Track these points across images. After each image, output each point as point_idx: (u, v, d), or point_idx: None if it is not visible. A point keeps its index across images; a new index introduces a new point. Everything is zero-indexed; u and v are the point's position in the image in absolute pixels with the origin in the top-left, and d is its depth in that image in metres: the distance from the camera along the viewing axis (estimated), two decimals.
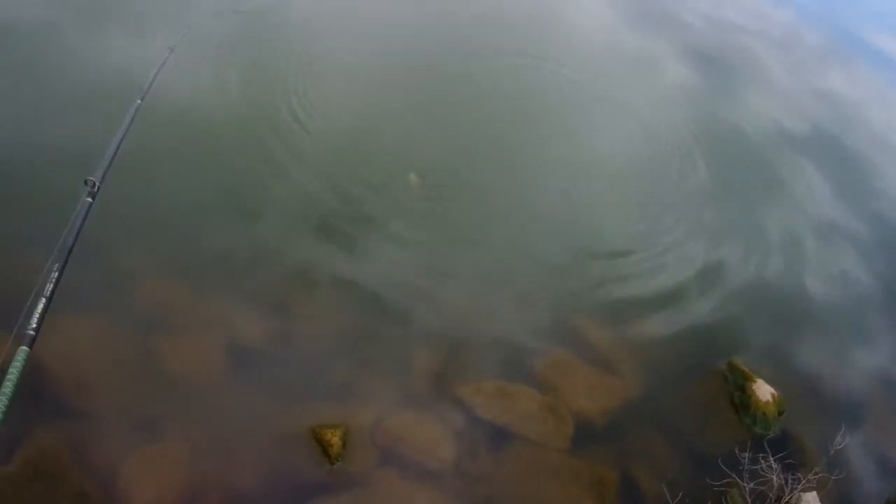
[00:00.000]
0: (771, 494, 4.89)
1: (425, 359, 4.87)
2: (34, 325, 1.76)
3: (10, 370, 1.58)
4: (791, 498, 4.86)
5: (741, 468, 4.93)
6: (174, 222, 5.04)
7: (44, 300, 1.86)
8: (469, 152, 6.78)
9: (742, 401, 5.56)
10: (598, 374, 5.37)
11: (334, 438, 4.17)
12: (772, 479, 4.88)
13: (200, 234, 5.05)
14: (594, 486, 4.68)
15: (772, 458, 4.93)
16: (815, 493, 4.95)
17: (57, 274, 1.96)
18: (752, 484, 4.84)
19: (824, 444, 5.16)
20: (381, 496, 4.14)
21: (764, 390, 5.56)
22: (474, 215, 6.15)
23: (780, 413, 5.56)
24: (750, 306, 6.50)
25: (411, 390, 4.75)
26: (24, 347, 1.68)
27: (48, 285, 1.91)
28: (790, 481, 4.89)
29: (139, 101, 3.07)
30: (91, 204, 2.34)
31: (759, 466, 4.93)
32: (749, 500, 4.82)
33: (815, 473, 4.93)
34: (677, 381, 5.62)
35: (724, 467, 4.94)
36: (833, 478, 4.99)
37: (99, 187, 2.41)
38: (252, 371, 4.40)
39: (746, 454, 4.95)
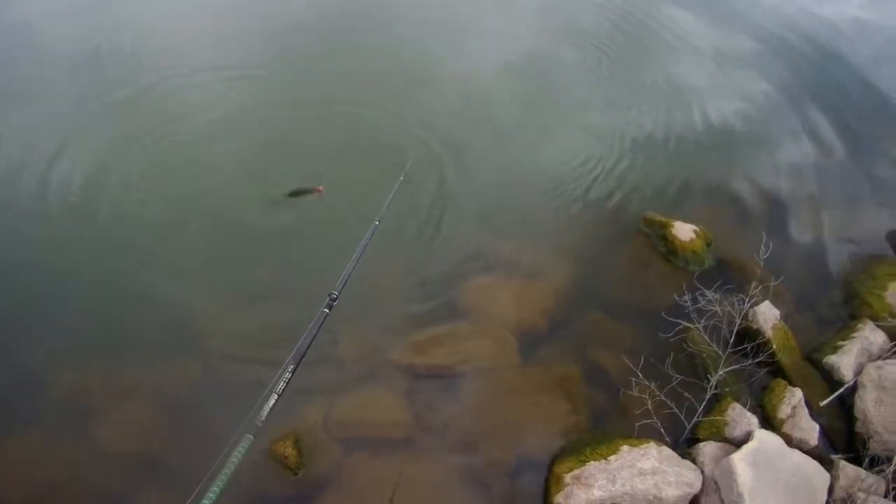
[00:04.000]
0: (724, 325, 5.34)
1: (348, 339, 4.95)
2: (262, 418, 2.24)
3: (234, 454, 2.02)
4: (747, 315, 5.34)
5: (688, 311, 5.36)
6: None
7: (275, 396, 2.36)
8: None
9: (668, 247, 6.01)
10: (522, 284, 5.60)
11: (288, 450, 4.32)
12: (724, 308, 5.33)
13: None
14: (560, 386, 4.93)
15: (709, 292, 5.38)
16: (766, 302, 5.45)
17: (290, 374, 2.49)
18: (703, 321, 5.27)
19: (761, 255, 5.66)
20: (358, 483, 4.24)
21: (684, 230, 6.03)
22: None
23: (709, 244, 6.05)
24: (646, 159, 6.99)
25: (346, 375, 4.82)
26: (249, 435, 2.12)
27: (280, 383, 2.41)
28: (738, 303, 5.37)
29: (377, 223, 3.92)
30: (327, 315, 3.00)
31: (704, 303, 5.36)
32: (707, 337, 5.25)
33: (759, 286, 5.43)
34: (601, 258, 5.96)
35: (674, 318, 5.33)
36: (777, 282, 5.51)
37: (337, 298, 3.10)
38: (186, 419, 4.41)
39: (686, 296, 5.38)
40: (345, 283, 3.23)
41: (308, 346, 2.72)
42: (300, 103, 7.06)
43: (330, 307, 3.04)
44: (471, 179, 6.32)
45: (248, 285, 5.31)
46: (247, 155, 6.36)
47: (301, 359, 2.62)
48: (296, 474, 4.25)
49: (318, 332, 2.83)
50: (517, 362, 5.06)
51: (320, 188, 5.81)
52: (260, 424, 2.21)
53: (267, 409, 2.29)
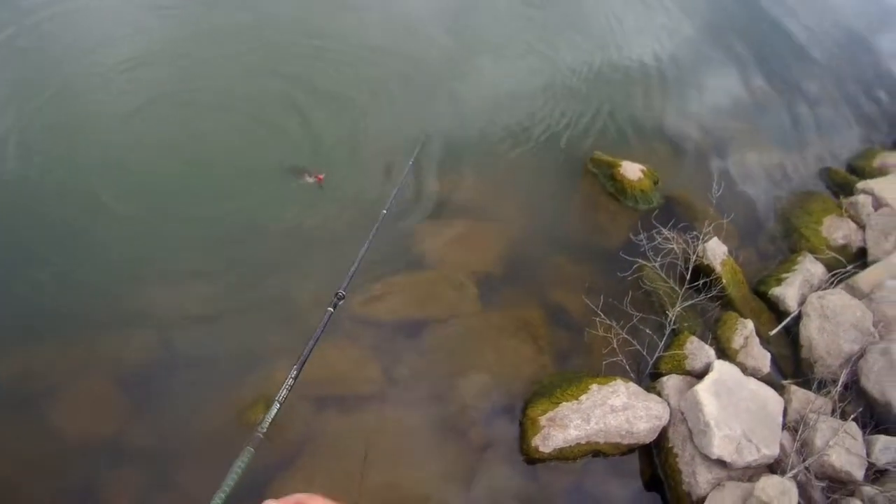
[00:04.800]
0: (679, 262, 5.58)
1: (306, 296, 4.81)
2: (264, 429, 2.12)
3: (235, 466, 1.90)
4: (699, 252, 5.58)
5: (643, 250, 5.55)
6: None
7: (277, 405, 2.25)
8: None
9: (616, 187, 6.15)
10: (474, 228, 5.60)
11: (259, 415, 4.13)
12: (680, 245, 5.56)
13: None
14: (522, 329, 4.99)
15: (665, 230, 5.59)
16: (714, 238, 5.71)
17: (292, 381, 2.38)
18: (659, 259, 5.48)
19: (706, 193, 5.91)
20: (330, 440, 4.17)
21: (632, 169, 6.19)
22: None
23: (656, 183, 6.24)
24: (587, 100, 7.07)
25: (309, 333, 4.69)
26: (250, 448, 2.00)
27: (283, 391, 2.31)
28: (691, 240, 5.61)
29: (384, 212, 3.80)
30: (332, 314, 2.81)
31: (659, 240, 5.57)
32: (662, 273, 5.47)
33: (709, 223, 5.68)
34: (551, 199, 6.04)
35: (628, 256, 5.51)
36: (723, 220, 5.78)
37: (344, 297, 2.89)
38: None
39: (641, 235, 5.57)
40: (350, 280, 3.08)
41: (311, 349, 2.60)
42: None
43: (335, 306, 2.86)
44: (414, 125, 6.19)
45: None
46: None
47: (303, 364, 2.50)
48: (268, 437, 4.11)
49: (321, 332, 2.70)
50: (478, 308, 5.08)
51: (321, 176, 5.47)
52: (262, 436, 2.12)
53: (269, 419, 2.19)
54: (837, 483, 4.42)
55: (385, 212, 3.88)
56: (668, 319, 5.11)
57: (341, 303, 2.91)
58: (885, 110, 9.30)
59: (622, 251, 5.53)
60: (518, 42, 7.65)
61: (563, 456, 4.35)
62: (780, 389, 4.95)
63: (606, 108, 7.02)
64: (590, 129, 6.76)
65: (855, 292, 5.78)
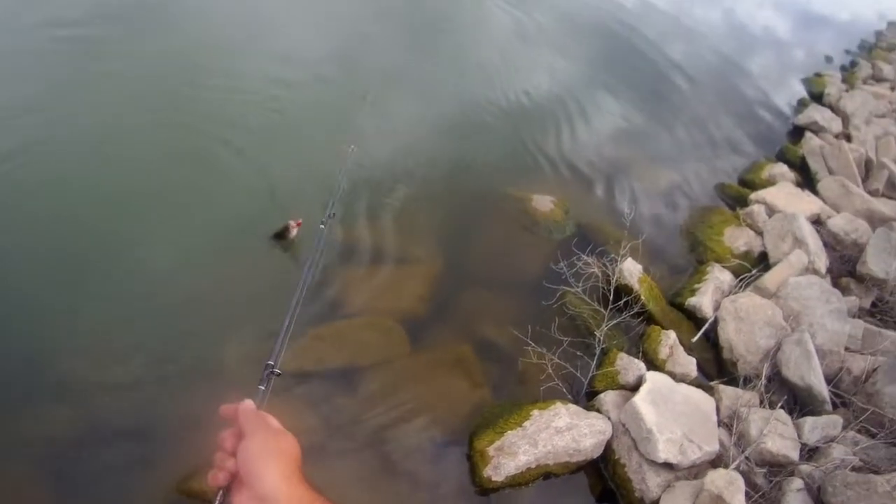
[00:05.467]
0: (601, 285, 6.06)
1: (230, 359, 4.89)
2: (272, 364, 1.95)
3: None
4: (616, 273, 6.09)
5: (563, 277, 6.00)
6: None
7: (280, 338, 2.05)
8: None
9: (530, 220, 6.67)
10: (396, 271, 5.91)
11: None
12: (594, 270, 6.04)
13: None
14: (456, 365, 5.29)
15: (584, 255, 6.10)
16: (629, 259, 6.25)
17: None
18: (580, 284, 5.94)
19: (615, 218, 6.49)
20: None
21: (542, 202, 6.74)
22: None
23: (567, 212, 6.79)
24: (492, 138, 7.66)
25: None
26: None
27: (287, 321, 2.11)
28: (607, 263, 6.12)
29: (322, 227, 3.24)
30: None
31: (580, 265, 6.04)
32: (585, 297, 5.92)
33: (623, 244, 6.22)
34: (468, 237, 6.45)
35: (551, 284, 5.95)
36: (635, 240, 6.35)
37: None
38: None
39: (561, 262, 6.02)
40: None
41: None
42: None
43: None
44: (325, 172, 6.46)
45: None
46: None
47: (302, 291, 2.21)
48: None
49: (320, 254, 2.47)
50: (409, 349, 5.34)
51: (299, 221, 5.61)
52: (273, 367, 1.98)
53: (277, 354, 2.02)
54: (777, 467, 4.92)
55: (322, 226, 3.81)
56: (597, 340, 5.54)
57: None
58: (767, 126, 10.52)
59: (544, 280, 5.95)
60: (424, 83, 8.15)
61: (516, 482, 4.61)
62: (710, 390, 5.46)
63: (514, 146, 7.67)
64: (499, 166, 7.35)
65: (763, 293, 6.44)
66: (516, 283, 6.11)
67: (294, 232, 5.61)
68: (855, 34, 21.64)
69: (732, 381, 5.66)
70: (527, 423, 4.87)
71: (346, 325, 5.40)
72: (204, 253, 5.57)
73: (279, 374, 2.03)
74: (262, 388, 1.95)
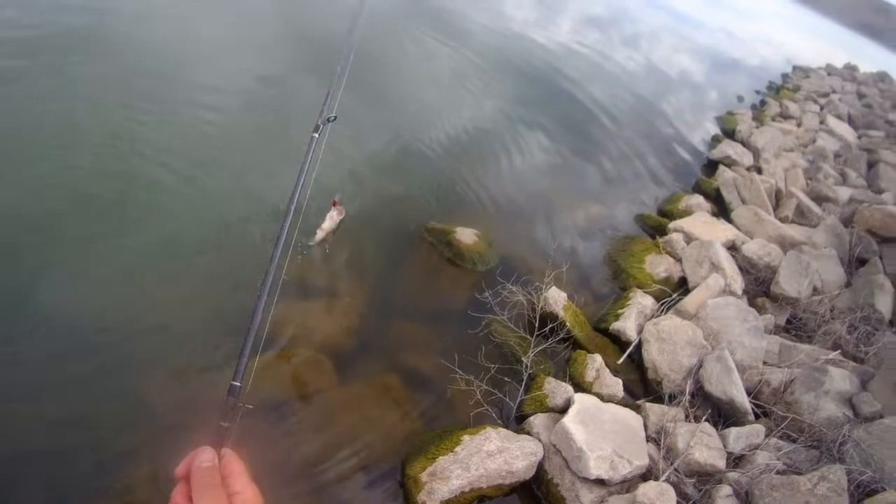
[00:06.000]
0: (527, 312, 6.39)
1: (160, 400, 4.92)
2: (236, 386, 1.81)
3: None
4: (542, 301, 6.43)
5: (489, 306, 6.30)
6: None
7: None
8: None
9: (454, 252, 6.99)
10: (322, 305, 6.09)
11: None
12: (519, 299, 6.37)
13: None
14: (384, 395, 5.48)
15: (509, 284, 6.43)
16: (553, 287, 6.62)
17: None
18: (506, 312, 6.25)
19: (540, 249, 6.87)
20: None
21: (466, 234, 7.07)
22: None
23: (491, 244, 7.15)
24: (415, 174, 8.03)
25: (169, 435, 4.73)
26: None
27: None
28: (532, 292, 6.46)
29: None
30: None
31: (504, 295, 6.36)
32: (511, 325, 6.23)
33: (547, 273, 6.59)
34: (394, 271, 6.71)
35: (476, 314, 6.24)
36: (559, 269, 6.73)
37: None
38: None
39: (486, 293, 6.34)
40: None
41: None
42: None
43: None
44: (249, 206, 6.66)
45: None
46: None
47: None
48: None
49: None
50: (337, 381, 5.50)
51: (335, 201, 5.61)
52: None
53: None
54: (705, 476, 5.28)
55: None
56: (524, 365, 5.84)
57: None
58: (683, 160, 11.40)
59: (469, 310, 6.26)
60: (353, 119, 8.45)
61: None
62: (637, 408, 5.82)
63: (440, 180, 8.09)
64: (426, 200, 7.73)
65: (684, 315, 6.90)
66: (442, 314, 6.38)
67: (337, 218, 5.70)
68: (764, 76, 23.58)
69: (658, 398, 6.05)
70: (458, 449, 5.08)
71: (274, 358, 5.52)
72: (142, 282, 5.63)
73: (249, 408, 1.84)
74: (226, 424, 1.72)
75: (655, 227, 8.86)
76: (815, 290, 8.11)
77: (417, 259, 6.96)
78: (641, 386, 6.35)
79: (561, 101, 11.73)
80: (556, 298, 6.60)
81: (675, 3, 33.50)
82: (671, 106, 15.09)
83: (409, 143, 8.64)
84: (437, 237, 7.16)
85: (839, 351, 6.99)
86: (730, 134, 14.10)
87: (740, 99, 18.71)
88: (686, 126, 14.12)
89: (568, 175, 9.34)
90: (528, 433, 5.40)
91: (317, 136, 2.84)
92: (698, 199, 9.89)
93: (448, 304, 6.52)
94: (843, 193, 11.64)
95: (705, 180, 10.94)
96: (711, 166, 11.93)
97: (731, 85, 20.37)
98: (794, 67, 27.82)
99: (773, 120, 16.23)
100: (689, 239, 8.43)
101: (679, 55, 22.73)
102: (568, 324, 6.46)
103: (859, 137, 16.67)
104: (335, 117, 3.07)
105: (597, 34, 20.23)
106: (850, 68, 30.01)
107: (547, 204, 8.40)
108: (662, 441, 5.48)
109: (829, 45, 41.24)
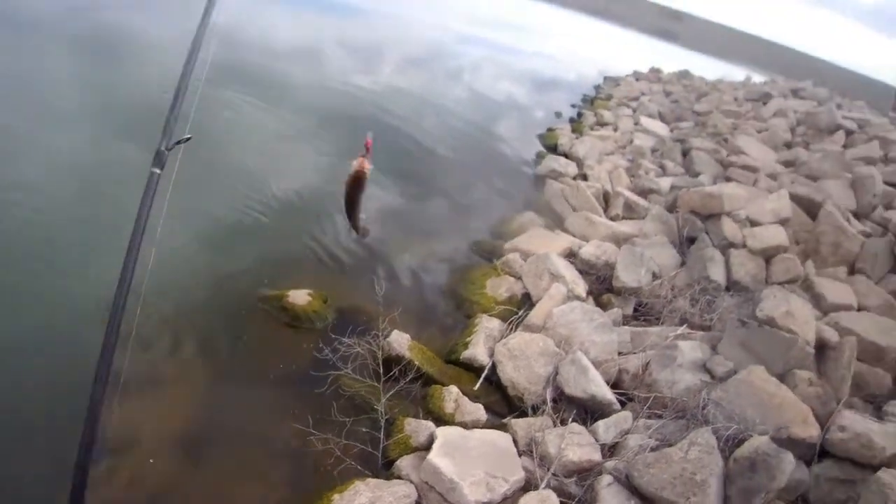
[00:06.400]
0: (370, 362, 6.38)
1: None
2: None
3: None
4: (384, 347, 6.45)
5: (332, 362, 6.25)
6: None
7: None
8: None
9: (290, 315, 6.93)
10: (164, 397, 5.82)
11: None
12: (358, 350, 6.36)
13: None
14: (242, 473, 5.26)
15: (345, 339, 6.41)
16: (394, 331, 6.67)
17: None
18: (349, 365, 6.22)
19: (375, 296, 6.92)
20: None
21: (299, 296, 7.05)
22: None
23: (326, 301, 7.13)
24: (248, 242, 8.03)
25: None
26: None
27: None
28: (372, 339, 6.47)
29: None
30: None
31: (343, 349, 6.33)
32: (357, 376, 6.20)
33: (384, 319, 6.63)
34: (230, 347, 6.52)
35: (320, 372, 6.17)
36: (398, 312, 6.81)
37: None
38: None
39: (325, 350, 6.29)
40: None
41: None
42: None
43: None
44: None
45: None
46: None
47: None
48: None
49: None
50: (192, 473, 5.27)
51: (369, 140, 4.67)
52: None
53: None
54: (585, 472, 5.55)
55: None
56: (380, 413, 5.80)
57: None
58: (512, 182, 12.20)
59: (312, 370, 6.19)
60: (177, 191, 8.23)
61: None
62: (504, 427, 5.93)
63: (270, 246, 8.14)
64: (255, 269, 7.66)
65: (532, 329, 7.17)
66: (287, 379, 6.29)
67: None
68: (579, 90, 25.30)
69: (523, 413, 6.21)
70: None
71: (122, 464, 5.19)
72: None
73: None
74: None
75: (491, 251, 9.17)
76: (655, 276, 8.61)
77: (255, 330, 6.83)
78: (505, 405, 6.48)
79: (394, 141, 12.11)
80: (400, 341, 6.65)
81: (487, 35, 36.24)
82: (498, 130, 15.97)
83: (237, 216, 8.57)
84: (270, 304, 7.07)
85: (686, 325, 7.44)
86: (552, 149, 14.98)
87: (558, 115, 19.94)
88: (512, 148, 14.94)
89: (400, 216, 9.52)
90: (399, 477, 5.38)
91: (158, 171, 2.97)
92: (530, 216, 10.35)
93: (292, 369, 6.42)
94: (665, 183, 12.51)
95: (536, 196, 11.47)
96: (540, 182, 12.59)
97: (549, 103, 21.76)
98: (605, 78, 29.99)
99: (592, 129, 17.36)
100: (525, 256, 8.74)
101: (501, 81, 24.19)
102: (416, 362, 6.52)
103: (672, 130, 18.05)
104: (189, 138, 3.15)
105: (421, 72, 21.30)
106: (655, 71, 32.54)
107: (383, 250, 8.50)
108: (535, 451, 5.61)
109: (633, 53, 44.84)
